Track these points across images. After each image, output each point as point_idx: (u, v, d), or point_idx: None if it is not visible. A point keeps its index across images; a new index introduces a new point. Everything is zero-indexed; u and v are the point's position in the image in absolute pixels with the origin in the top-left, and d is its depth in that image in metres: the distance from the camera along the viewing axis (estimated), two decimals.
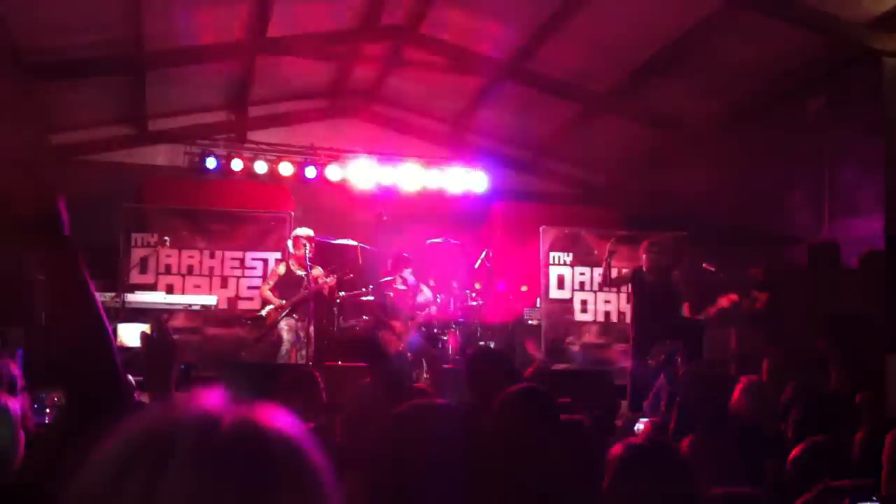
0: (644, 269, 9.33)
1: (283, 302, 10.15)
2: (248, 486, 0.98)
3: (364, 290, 10.81)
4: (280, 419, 1.07)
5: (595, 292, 11.85)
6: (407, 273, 10.89)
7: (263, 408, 1.08)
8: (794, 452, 3.52)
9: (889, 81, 8.69)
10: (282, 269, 10.37)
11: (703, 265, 10.01)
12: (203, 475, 0.97)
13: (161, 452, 0.99)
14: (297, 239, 10.15)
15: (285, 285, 10.21)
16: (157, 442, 1.00)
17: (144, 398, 4.22)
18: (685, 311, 9.39)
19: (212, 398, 1.07)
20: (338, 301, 10.43)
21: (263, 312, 10.28)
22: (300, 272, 10.04)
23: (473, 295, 11.19)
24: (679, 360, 9.13)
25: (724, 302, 9.27)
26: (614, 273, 10.15)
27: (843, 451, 3.67)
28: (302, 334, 10.08)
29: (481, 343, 10.70)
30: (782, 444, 4.48)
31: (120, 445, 1.02)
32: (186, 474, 0.97)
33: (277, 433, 1.05)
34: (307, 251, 9.98)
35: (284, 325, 10.22)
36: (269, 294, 10.30)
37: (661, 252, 9.40)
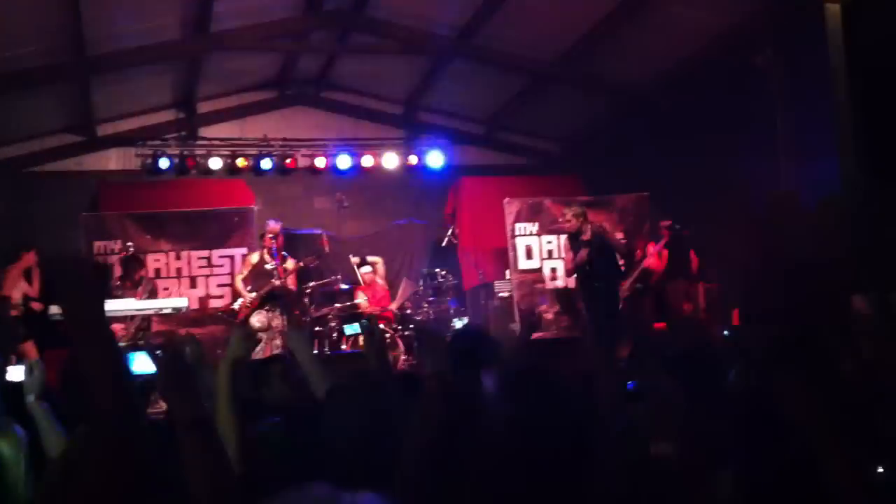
0: (576, 233, 9.54)
1: (253, 295, 10.15)
2: None
3: (335, 277, 10.86)
4: None
5: (563, 259, 11.94)
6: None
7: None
8: None
9: (832, 28, 8.85)
10: (254, 258, 10.35)
11: (661, 223, 10.20)
12: None
13: None
14: (263, 234, 10.18)
15: (257, 275, 10.21)
16: None
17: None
18: None
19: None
20: (308, 291, 10.45)
21: (236, 306, 10.26)
22: (269, 265, 10.04)
23: (443, 273, 11.29)
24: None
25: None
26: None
27: None
28: (275, 324, 10.11)
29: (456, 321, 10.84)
30: None
31: None
32: None
33: None
34: (274, 244, 10.01)
35: (256, 320, 10.22)
36: (240, 286, 10.30)
37: (585, 215, 9.63)
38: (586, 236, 9.43)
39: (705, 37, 10.32)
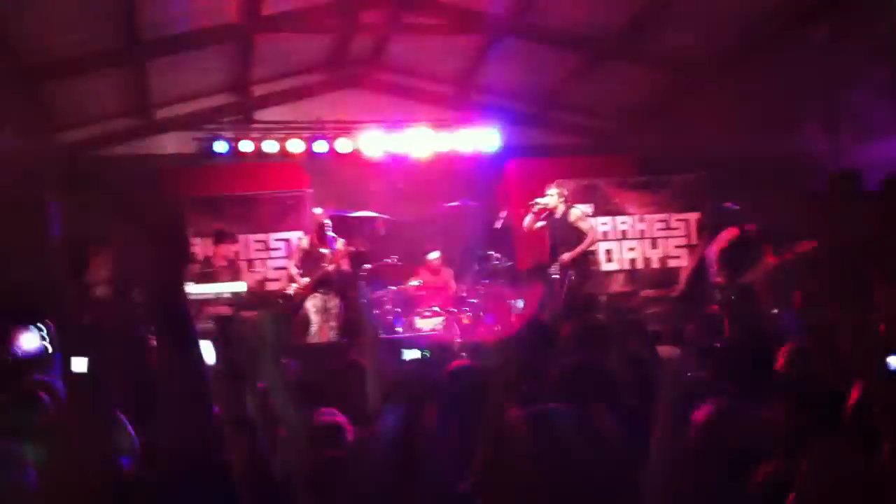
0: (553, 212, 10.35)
1: (307, 280, 10.24)
2: None
3: (390, 259, 10.93)
4: None
5: (619, 241, 11.88)
6: None
7: None
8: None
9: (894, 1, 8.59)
10: (305, 243, 10.45)
11: (726, 204, 10.01)
12: None
13: None
14: (311, 221, 10.32)
15: (310, 260, 10.29)
16: None
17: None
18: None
19: None
20: (363, 274, 10.52)
21: (290, 291, 10.35)
22: (323, 249, 10.13)
23: (498, 255, 11.26)
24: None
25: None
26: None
27: None
28: (329, 305, 10.22)
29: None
30: None
31: None
32: None
33: None
34: (325, 229, 10.12)
35: (311, 304, 10.31)
36: (294, 272, 10.39)
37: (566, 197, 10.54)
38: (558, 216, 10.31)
39: (764, 10, 10.08)
